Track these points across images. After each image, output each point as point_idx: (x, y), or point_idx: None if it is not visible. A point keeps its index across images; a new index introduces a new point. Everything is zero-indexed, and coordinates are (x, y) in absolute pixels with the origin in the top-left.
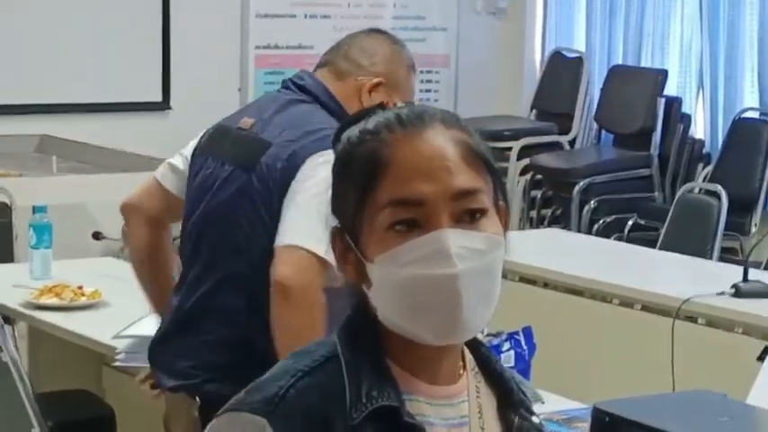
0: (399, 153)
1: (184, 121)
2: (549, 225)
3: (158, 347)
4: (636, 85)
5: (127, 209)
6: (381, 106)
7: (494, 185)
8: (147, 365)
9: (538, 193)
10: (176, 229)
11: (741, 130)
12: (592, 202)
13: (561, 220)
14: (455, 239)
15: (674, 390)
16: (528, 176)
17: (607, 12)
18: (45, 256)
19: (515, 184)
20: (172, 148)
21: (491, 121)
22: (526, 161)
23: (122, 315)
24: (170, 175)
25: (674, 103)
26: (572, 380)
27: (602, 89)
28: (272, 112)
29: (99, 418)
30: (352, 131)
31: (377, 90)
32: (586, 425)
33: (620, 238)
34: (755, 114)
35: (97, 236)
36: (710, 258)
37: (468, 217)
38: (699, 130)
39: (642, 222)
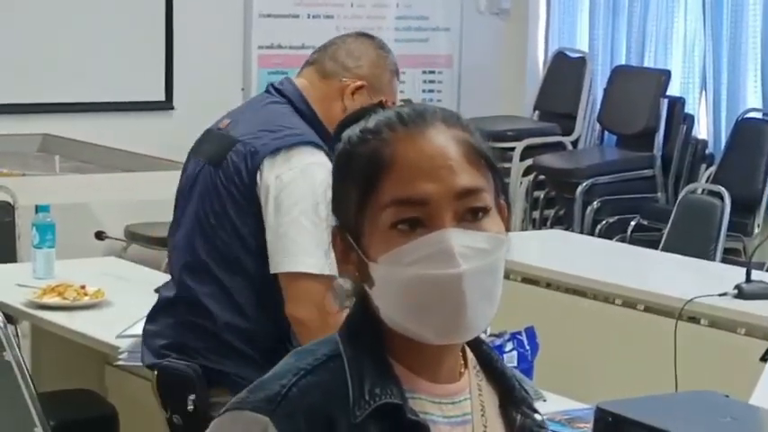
0: (401, 152)
1: (187, 121)
2: (552, 226)
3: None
4: (639, 86)
5: None
6: (381, 105)
7: (495, 184)
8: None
9: (541, 194)
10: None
11: (744, 131)
12: (595, 202)
13: (564, 221)
14: (459, 239)
15: (676, 390)
16: (531, 177)
17: (610, 12)
18: (48, 255)
19: (518, 184)
20: (174, 147)
21: (494, 121)
22: (529, 162)
23: (125, 314)
24: None
25: (676, 104)
26: (575, 380)
27: (605, 89)
28: (247, 113)
29: (102, 417)
30: (353, 131)
31: (360, 92)
32: (589, 425)
33: (622, 239)
34: (758, 115)
35: (100, 235)
36: (713, 259)
37: (471, 216)
38: (702, 130)
39: (645, 223)
